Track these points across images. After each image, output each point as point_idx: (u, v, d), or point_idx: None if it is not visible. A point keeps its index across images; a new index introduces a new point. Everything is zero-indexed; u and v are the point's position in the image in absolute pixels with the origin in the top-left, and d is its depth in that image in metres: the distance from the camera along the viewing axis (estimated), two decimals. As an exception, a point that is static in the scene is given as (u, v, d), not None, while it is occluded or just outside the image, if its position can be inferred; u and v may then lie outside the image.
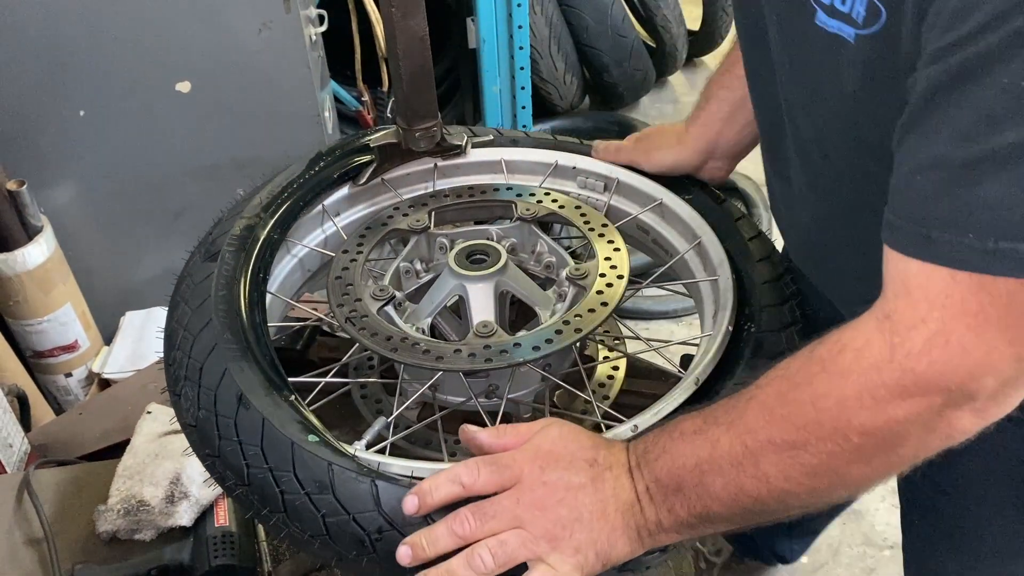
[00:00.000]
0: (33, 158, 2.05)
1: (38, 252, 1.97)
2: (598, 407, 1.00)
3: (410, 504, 0.78)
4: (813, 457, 0.70)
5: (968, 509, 1.01)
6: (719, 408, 0.76)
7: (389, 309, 1.02)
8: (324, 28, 2.26)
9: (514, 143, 1.28)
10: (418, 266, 1.14)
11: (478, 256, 1.07)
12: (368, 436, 0.91)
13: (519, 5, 2.77)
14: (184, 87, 2.08)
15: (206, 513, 1.30)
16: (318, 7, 2.28)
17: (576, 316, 0.96)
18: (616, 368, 1.14)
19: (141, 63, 2.02)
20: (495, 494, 0.78)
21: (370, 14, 2.53)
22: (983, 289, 0.61)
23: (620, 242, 1.07)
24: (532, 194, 1.18)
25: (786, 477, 0.71)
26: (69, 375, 2.14)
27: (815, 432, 0.69)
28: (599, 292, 0.99)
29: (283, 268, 1.15)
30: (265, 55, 2.08)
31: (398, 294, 1.07)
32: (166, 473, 1.32)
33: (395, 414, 0.98)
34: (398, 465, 0.83)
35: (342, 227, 1.20)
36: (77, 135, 2.07)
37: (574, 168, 1.24)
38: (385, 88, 2.80)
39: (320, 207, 1.19)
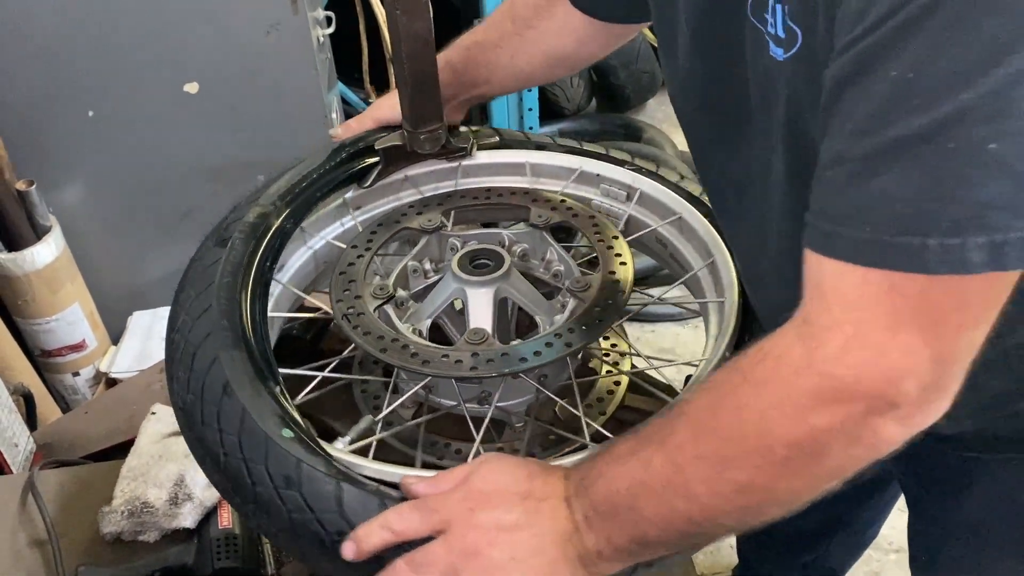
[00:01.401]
0: (42, 158, 2.06)
1: (46, 252, 1.98)
2: (587, 424, 0.98)
3: (347, 550, 0.76)
4: (740, 472, 0.68)
5: (976, 552, 1.01)
6: (653, 426, 0.74)
7: (388, 308, 1.02)
8: (332, 30, 2.27)
9: (540, 148, 1.27)
10: (427, 266, 1.14)
11: (482, 260, 1.07)
12: (352, 434, 0.92)
13: (526, 7, 2.76)
14: (192, 88, 2.08)
15: (210, 515, 1.30)
16: (326, 9, 2.28)
17: (569, 330, 0.95)
18: (617, 383, 1.13)
19: (149, 64, 2.03)
20: (432, 538, 0.76)
21: (377, 16, 2.53)
22: (894, 288, 0.60)
23: (628, 256, 1.05)
24: (548, 200, 1.17)
25: (715, 494, 0.69)
26: (76, 374, 2.15)
27: (741, 445, 0.67)
28: (597, 307, 0.98)
29: (298, 259, 1.16)
30: (273, 57, 2.09)
31: (403, 293, 1.07)
32: (170, 475, 1.33)
33: (384, 413, 0.99)
34: (371, 468, 0.83)
35: (361, 221, 1.21)
36: (86, 136, 2.07)
37: (598, 175, 1.23)
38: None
39: (342, 200, 1.19)
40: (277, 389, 0.89)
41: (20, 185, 1.94)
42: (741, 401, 0.68)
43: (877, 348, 0.61)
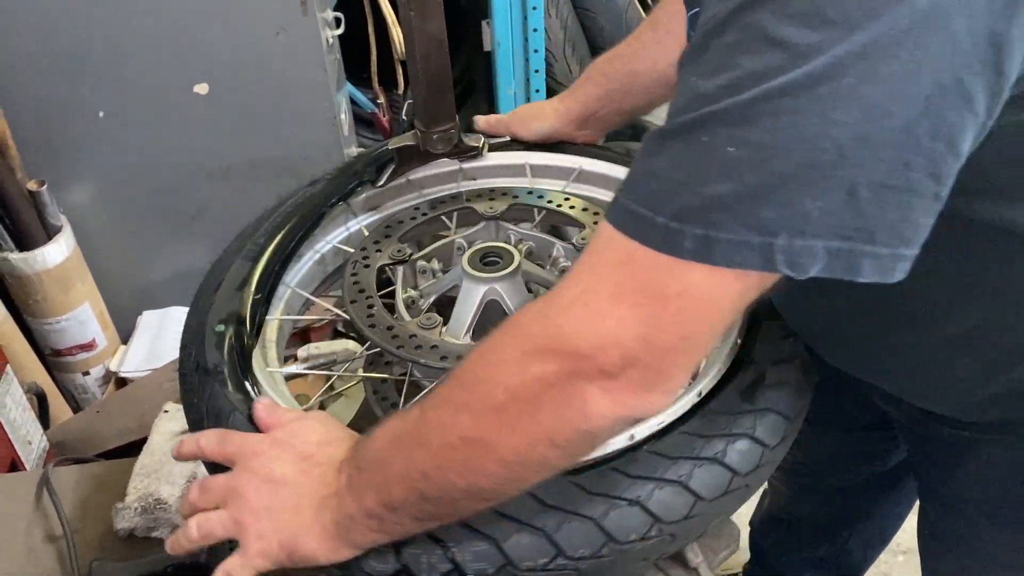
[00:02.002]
0: (53, 159, 2.07)
1: (57, 251, 1.99)
2: None
3: (174, 449, 0.87)
4: (467, 417, 0.69)
5: (971, 524, 1.01)
6: None
7: (399, 270, 1.09)
8: (341, 31, 2.27)
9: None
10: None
11: (492, 259, 1.08)
12: (310, 362, 1.04)
13: (534, 8, 2.77)
14: (202, 89, 2.09)
15: (222, 512, 1.31)
16: (335, 10, 2.29)
17: None
18: None
19: (160, 65, 2.04)
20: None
21: (386, 17, 2.54)
22: (630, 257, 0.62)
23: None
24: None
25: (446, 444, 0.70)
26: (87, 373, 2.16)
27: (472, 389, 0.70)
28: None
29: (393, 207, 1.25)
30: (282, 58, 2.10)
31: (436, 264, 1.15)
32: (183, 471, 1.34)
33: (352, 360, 1.10)
34: (266, 387, 0.92)
35: (466, 190, 1.26)
36: (97, 136, 2.09)
37: None
38: (400, 91, 2.81)
39: (458, 166, 1.26)
40: (257, 296, 1.00)
41: (31, 185, 1.95)
42: (488, 346, 0.71)
43: (597, 309, 0.64)
